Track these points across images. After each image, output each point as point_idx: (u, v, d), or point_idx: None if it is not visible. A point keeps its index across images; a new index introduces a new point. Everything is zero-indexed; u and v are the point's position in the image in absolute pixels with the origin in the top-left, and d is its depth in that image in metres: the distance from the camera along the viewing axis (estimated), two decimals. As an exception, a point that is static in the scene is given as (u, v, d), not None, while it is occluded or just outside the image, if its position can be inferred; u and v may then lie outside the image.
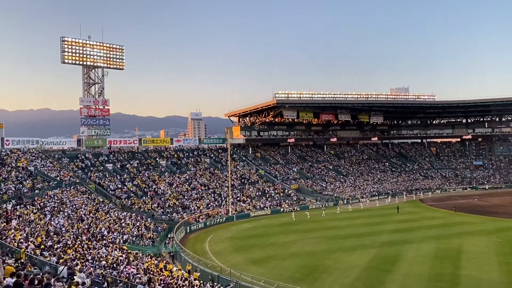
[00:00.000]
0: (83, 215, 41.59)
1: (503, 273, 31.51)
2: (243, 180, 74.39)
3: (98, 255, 27.28)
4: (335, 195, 76.44)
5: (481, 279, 30.30)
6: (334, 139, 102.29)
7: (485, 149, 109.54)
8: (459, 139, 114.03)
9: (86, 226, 37.85)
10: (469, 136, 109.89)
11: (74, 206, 43.57)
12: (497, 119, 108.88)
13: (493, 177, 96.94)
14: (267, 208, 64.66)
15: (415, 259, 35.97)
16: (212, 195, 65.30)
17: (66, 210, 40.91)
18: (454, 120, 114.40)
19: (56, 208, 40.11)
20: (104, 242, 33.58)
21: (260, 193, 70.73)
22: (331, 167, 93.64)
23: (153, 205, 56.45)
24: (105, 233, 37.86)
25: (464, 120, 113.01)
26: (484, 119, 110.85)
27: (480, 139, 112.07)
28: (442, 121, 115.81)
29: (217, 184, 69.86)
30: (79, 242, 30.07)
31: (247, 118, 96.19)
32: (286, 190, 74.86)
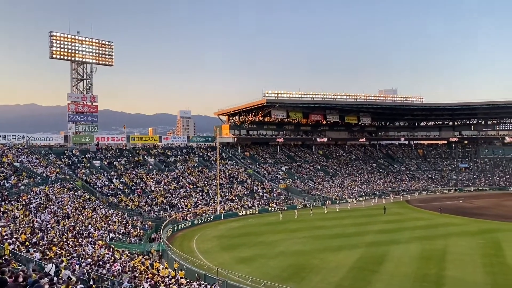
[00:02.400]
0: (69, 212, 41.16)
1: (487, 274, 32.01)
2: (231, 179, 74.32)
3: (84, 253, 27.05)
4: (323, 195, 76.82)
5: (466, 280, 30.74)
6: (323, 140, 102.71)
7: (471, 152, 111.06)
8: (445, 141, 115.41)
9: (72, 223, 37.49)
10: (456, 139, 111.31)
11: (60, 203, 43.09)
12: (483, 122, 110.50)
13: (478, 179, 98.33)
14: (255, 207, 64.73)
15: (401, 260, 36.34)
16: (200, 193, 65.11)
17: (51, 207, 40.45)
18: (441, 122, 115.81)
19: (41, 205, 39.64)
20: (90, 239, 33.29)
21: (248, 192, 70.74)
22: (319, 167, 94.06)
23: (140, 203, 56.08)
24: (92, 230, 37.54)
25: (451, 123, 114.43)
26: (471, 122, 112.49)
27: (466, 142, 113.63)
28: (429, 123, 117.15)
29: (206, 182, 69.68)
30: (64, 239, 29.78)
31: (237, 117, 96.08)
32: (275, 190, 75.00)
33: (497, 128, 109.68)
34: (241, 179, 75.55)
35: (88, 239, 32.93)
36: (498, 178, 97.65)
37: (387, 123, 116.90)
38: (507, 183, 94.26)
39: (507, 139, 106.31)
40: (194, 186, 67.12)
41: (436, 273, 32.37)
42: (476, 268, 33.83)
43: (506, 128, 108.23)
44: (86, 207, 45.90)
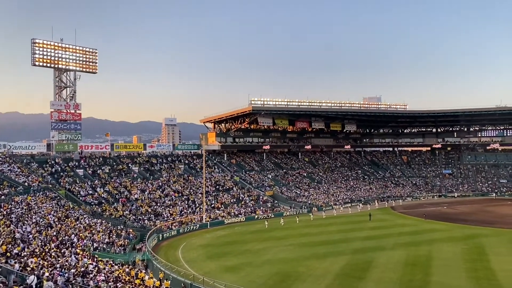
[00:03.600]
0: (51, 222, 40.39)
1: (470, 279, 32.31)
2: (217, 186, 73.99)
3: (67, 263, 26.51)
4: (309, 202, 76.97)
5: (450, 285, 30.99)
6: (309, 147, 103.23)
7: (454, 158, 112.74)
8: (429, 148, 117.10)
9: (55, 233, 36.76)
10: (439, 145, 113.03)
11: (42, 213, 42.27)
12: (466, 129, 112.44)
13: (461, 185, 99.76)
14: (241, 215, 64.46)
15: (387, 266, 36.48)
16: (186, 202, 64.62)
17: (34, 217, 39.65)
18: (424, 129, 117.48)
19: (23, 215, 38.81)
20: (74, 249, 32.66)
21: (234, 200, 70.47)
22: (305, 174, 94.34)
23: (124, 212, 55.37)
24: (75, 240, 36.87)
25: (434, 130, 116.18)
26: (453, 129, 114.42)
27: (449, 148, 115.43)
28: (413, 130, 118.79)
29: (191, 190, 69.21)
30: (47, 250, 29.17)
31: (223, 124, 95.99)
32: (261, 197, 74.86)
33: (479, 135, 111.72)
34: (227, 187, 75.26)
35: (71, 249, 32.31)
36: (480, 184, 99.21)
37: (372, 130, 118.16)
38: (489, 189, 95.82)
39: (489, 146, 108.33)
40: (180, 195, 66.60)
41: (422, 279, 32.57)
42: (461, 273, 34.14)
43: (488, 135, 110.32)
44: (70, 216, 45.10)
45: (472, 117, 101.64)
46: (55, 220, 41.59)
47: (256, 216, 65.15)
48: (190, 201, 65.14)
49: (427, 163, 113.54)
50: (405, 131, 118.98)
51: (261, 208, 69.61)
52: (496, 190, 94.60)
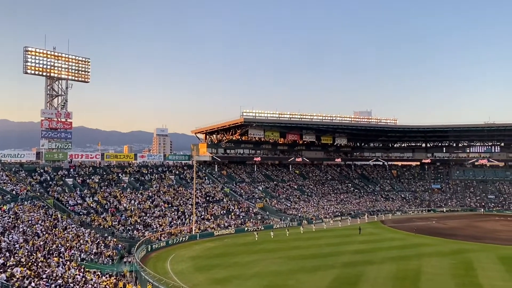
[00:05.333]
0: (39, 231, 39.89)
1: (459, 294, 32.44)
2: (208, 198, 73.71)
3: (54, 274, 26.19)
4: (299, 214, 76.92)
5: (438, 300, 31.05)
6: (300, 159, 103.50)
7: (443, 173, 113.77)
8: (418, 163, 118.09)
9: (42, 243, 36.30)
10: (428, 160, 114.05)
11: (30, 222, 41.75)
12: (454, 145, 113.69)
13: (450, 200, 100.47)
14: (231, 227, 64.17)
15: (376, 280, 36.52)
16: (176, 213, 64.19)
17: (21, 226, 39.15)
18: (414, 144, 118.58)
19: (10, 224, 38.31)
20: (61, 259, 32.27)
21: (225, 211, 70.20)
22: (296, 187, 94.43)
23: (113, 222, 54.85)
24: (62, 250, 36.42)
25: (424, 145, 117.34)
26: (443, 144, 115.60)
27: (438, 163, 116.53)
28: (403, 145, 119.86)
29: (181, 201, 68.82)
30: (33, 260, 28.80)
31: (214, 135, 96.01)
32: (251, 209, 74.67)
33: (468, 151, 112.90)
34: (218, 198, 75.01)
35: (58, 259, 31.91)
36: (469, 199, 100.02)
37: (362, 144, 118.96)
38: (478, 205, 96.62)
39: (477, 161, 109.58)
40: (170, 205, 66.19)
41: (410, 294, 32.62)
42: (449, 288, 34.29)
43: (476, 151, 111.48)
44: (57, 226, 44.58)
45: (461, 133, 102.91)
46: (43, 229, 41.11)
47: (246, 228, 64.90)
48: (180, 212, 64.74)
49: (417, 178, 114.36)
50: (395, 145, 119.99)
51: (251, 220, 69.39)
52: (484, 205, 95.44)
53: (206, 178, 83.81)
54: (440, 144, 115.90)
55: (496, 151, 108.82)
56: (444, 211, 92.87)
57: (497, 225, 73.91)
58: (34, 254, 31.21)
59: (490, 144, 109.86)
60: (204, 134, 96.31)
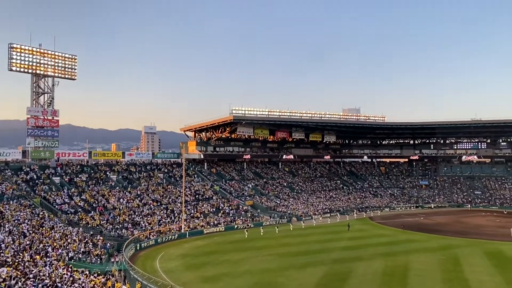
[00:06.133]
0: (25, 231, 39.36)
1: (446, 289, 32.81)
2: (197, 196, 73.46)
3: (41, 273, 25.84)
4: (289, 212, 77.10)
5: (426, 295, 31.36)
6: (289, 156, 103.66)
7: (430, 170, 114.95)
8: (406, 159, 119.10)
9: (29, 242, 35.83)
10: (416, 157, 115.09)
11: (16, 221, 41.18)
12: (442, 141, 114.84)
13: (438, 196, 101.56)
14: (221, 224, 64.04)
15: (365, 276, 36.75)
16: (165, 211, 63.87)
17: (7, 225, 38.58)
18: (402, 141, 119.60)
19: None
20: (48, 259, 31.88)
21: (214, 209, 70.04)
22: (285, 184, 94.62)
23: (101, 221, 54.37)
24: (49, 249, 35.97)
25: (411, 141, 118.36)
26: (430, 141, 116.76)
27: (426, 160, 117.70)
28: (391, 142, 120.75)
29: (170, 200, 68.49)
30: (19, 260, 28.39)
31: (203, 133, 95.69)
32: (241, 207, 74.63)
33: (455, 147, 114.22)
34: (207, 196, 74.81)
35: (45, 259, 31.52)
36: (456, 196, 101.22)
37: (351, 141, 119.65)
38: (464, 200, 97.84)
39: (464, 158, 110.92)
40: (158, 204, 65.84)
41: (399, 289, 32.91)
42: (437, 283, 34.62)
43: (463, 147, 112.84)
44: (44, 225, 44.05)
45: (448, 130, 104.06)
46: (29, 228, 40.58)
47: (235, 226, 64.85)
48: (169, 210, 64.44)
49: (405, 174, 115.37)
50: (384, 142, 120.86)
51: (241, 218, 69.34)
52: (471, 201, 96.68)
53: (196, 176, 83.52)
54: (427, 141, 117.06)
55: (483, 147, 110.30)
56: (432, 207, 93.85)
57: (483, 220, 74.93)
58: (21, 254, 30.78)
59: (477, 140, 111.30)
60: (193, 132, 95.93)
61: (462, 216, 79.57)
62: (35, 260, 29.87)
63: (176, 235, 56.41)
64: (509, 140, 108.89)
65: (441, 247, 50.58)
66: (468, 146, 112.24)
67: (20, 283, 22.40)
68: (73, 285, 23.85)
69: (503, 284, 34.42)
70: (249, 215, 71.60)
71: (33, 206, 49.84)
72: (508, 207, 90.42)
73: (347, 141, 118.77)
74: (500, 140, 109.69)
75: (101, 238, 46.08)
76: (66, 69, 68.34)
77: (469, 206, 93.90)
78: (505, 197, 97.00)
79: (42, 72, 65.89)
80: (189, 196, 71.23)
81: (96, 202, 59.69)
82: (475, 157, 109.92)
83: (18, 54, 63.33)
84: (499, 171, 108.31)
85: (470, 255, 45.72)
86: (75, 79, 70.10)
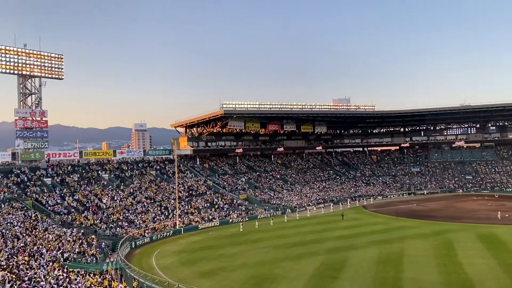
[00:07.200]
0: (18, 233, 39.06)
1: (441, 274, 33.28)
2: (190, 191, 73.35)
3: (36, 276, 25.71)
4: (283, 204, 77.37)
5: (422, 280, 31.78)
6: (281, 149, 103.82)
7: (422, 156, 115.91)
8: (397, 147, 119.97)
9: (22, 245, 35.56)
10: (407, 144, 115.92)
11: (9, 224, 40.83)
12: (432, 128, 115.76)
13: (429, 182, 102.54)
14: (215, 219, 64.09)
15: (360, 265, 37.10)
16: (159, 208, 63.72)
17: (-1, 229, 38.25)
18: (392, 129, 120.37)
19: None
20: (43, 260, 31.70)
21: (208, 204, 70.03)
22: (278, 176, 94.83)
23: (95, 221, 54.11)
24: (44, 251, 35.75)
25: (402, 129, 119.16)
26: (420, 128, 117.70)
27: (417, 147, 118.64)
28: (382, 130, 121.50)
29: (164, 196, 68.33)
30: (14, 263, 28.20)
31: (195, 128, 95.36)
32: (235, 201, 74.69)
33: (445, 133, 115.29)
34: (201, 192, 74.75)
35: (40, 261, 31.34)
36: (447, 181, 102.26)
37: (342, 131, 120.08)
38: (456, 186, 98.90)
39: (454, 144, 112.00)
40: (152, 201, 65.65)
41: (394, 276, 33.29)
42: (431, 268, 35.11)
43: (453, 133, 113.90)
44: (38, 227, 43.74)
45: (438, 116, 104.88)
46: (23, 231, 40.28)
47: (230, 220, 64.94)
48: (163, 207, 64.31)
49: (396, 162, 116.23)
50: (374, 131, 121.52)
51: (236, 211, 69.44)
52: (462, 186, 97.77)
53: (188, 172, 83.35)
54: (418, 128, 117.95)
55: (472, 132, 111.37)
56: (424, 193, 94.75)
57: (475, 204, 75.93)
58: (15, 257, 30.56)
59: (466, 126, 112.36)
60: (184, 128, 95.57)
61: (454, 201, 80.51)
62: (30, 262, 29.70)
63: (171, 231, 56.36)
64: (498, 124, 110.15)
65: (434, 232, 51.19)
66: (458, 132, 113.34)
67: (15, 286, 22.29)
68: (69, 286, 23.77)
69: (496, 266, 35.04)
70: (244, 209, 71.72)
71: (25, 208, 49.45)
72: (499, 190, 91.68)
73: (338, 132, 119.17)
74: (489, 125, 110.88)
75: (94, 237, 45.87)
76: (53, 69, 67.51)
77: (460, 191, 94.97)
78: (496, 180, 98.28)
79: (28, 73, 65.04)
80: (182, 192, 71.11)
81: (89, 202, 59.35)
82: (465, 142, 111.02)
83: (3, 55, 62.35)
84: (489, 155, 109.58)
85: (463, 239, 46.37)
86: (62, 79, 69.32)
